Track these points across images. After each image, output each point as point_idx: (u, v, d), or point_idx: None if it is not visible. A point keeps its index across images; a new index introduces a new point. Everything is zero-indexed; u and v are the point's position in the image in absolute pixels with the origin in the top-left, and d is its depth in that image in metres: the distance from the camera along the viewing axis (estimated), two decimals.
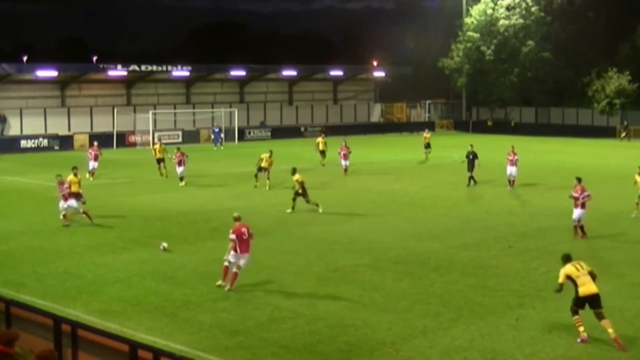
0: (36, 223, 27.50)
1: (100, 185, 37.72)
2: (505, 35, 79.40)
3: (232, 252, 18.26)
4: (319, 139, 46.60)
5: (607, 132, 71.26)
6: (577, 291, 14.95)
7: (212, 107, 69.27)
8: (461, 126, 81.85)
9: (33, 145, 58.26)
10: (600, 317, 14.77)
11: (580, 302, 14.92)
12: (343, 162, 41.62)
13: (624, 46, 78.18)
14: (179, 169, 37.61)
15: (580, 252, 22.38)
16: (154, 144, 42.05)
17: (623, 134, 69.61)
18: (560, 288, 15.26)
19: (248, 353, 14.34)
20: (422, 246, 23.27)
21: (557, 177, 40.33)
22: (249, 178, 38.33)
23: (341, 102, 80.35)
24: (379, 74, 79.45)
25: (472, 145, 37.39)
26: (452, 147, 57.67)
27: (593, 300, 14.82)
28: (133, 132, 63.44)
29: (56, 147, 59.02)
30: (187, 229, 26.29)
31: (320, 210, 28.55)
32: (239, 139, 66.67)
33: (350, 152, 41.87)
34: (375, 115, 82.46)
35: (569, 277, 15.11)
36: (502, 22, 79.41)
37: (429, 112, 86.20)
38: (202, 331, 15.51)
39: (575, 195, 24.47)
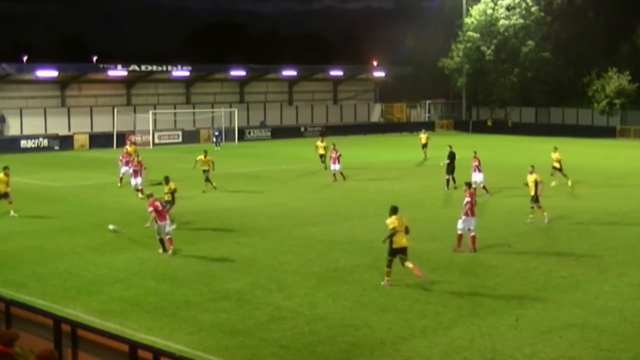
0: (36, 223, 27.50)
1: (100, 185, 37.72)
2: (505, 35, 79.39)
3: (156, 224, 22.03)
4: (318, 143, 44.33)
5: (607, 132, 71.27)
6: (392, 242, 18.53)
7: (212, 107, 69.30)
8: (461, 126, 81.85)
9: (33, 145, 58.27)
10: (404, 261, 18.60)
11: (394, 252, 18.58)
12: (333, 167, 38.95)
13: (624, 46, 78.17)
14: (135, 180, 33.46)
15: (580, 252, 22.43)
16: (127, 145, 38.93)
17: None
18: (390, 236, 18.52)
19: (248, 353, 14.34)
20: (422, 246, 23.22)
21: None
22: (249, 178, 38.37)
23: (341, 102, 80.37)
24: (379, 74, 79.46)
25: (450, 146, 36.20)
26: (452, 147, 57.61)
27: (403, 251, 18.61)
28: (133, 132, 63.41)
29: (56, 147, 59.04)
30: (187, 229, 26.28)
31: (174, 227, 23.57)
32: (239, 139, 66.69)
33: (340, 156, 38.96)
34: (375, 115, 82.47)
35: (393, 230, 18.48)
36: (502, 22, 79.41)
37: (429, 112, 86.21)
38: (202, 331, 15.51)
39: (468, 199, 22.64)
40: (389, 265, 18.61)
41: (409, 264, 18.50)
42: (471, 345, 14.55)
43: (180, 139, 64.95)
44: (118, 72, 63.55)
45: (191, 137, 65.66)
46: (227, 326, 15.78)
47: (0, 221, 27.88)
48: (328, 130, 73.93)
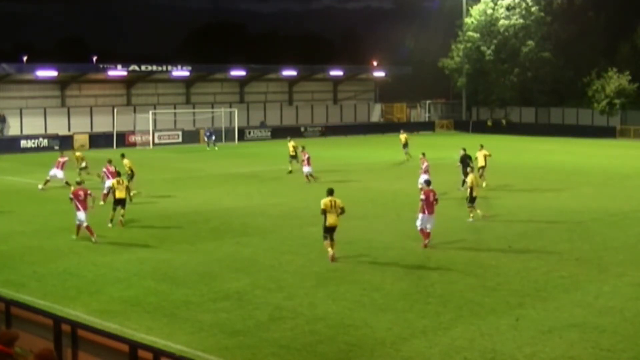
0: (36, 223, 27.50)
1: (100, 185, 37.68)
2: (505, 35, 79.41)
3: (78, 212, 23.69)
4: (290, 144, 42.27)
5: (607, 132, 71.28)
6: (325, 221, 20.86)
7: (212, 107, 69.30)
8: (461, 126, 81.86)
9: (33, 145, 58.25)
10: (332, 240, 21.02)
11: (327, 230, 20.97)
12: (305, 169, 38.17)
13: (624, 46, 78.18)
14: (58, 173, 35.73)
15: (581, 252, 22.43)
16: (73, 150, 38.33)
17: None
18: (322, 213, 20.93)
19: (248, 353, 14.33)
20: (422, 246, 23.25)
21: (557, 177, 40.37)
22: (249, 178, 38.37)
23: (341, 102, 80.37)
24: (379, 74, 79.46)
25: (464, 149, 35.47)
26: (452, 147, 57.61)
27: (333, 230, 20.95)
28: (133, 132, 63.44)
29: (56, 147, 58.85)
30: (187, 229, 26.29)
31: (133, 193, 29.28)
32: (239, 139, 66.69)
33: (309, 158, 38.13)
34: (375, 115, 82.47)
35: (323, 210, 20.90)
36: (502, 22, 79.43)
37: (429, 112, 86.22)
38: (202, 331, 15.50)
39: (422, 197, 22.97)
40: (325, 239, 21.15)
41: (333, 247, 21.15)
42: (471, 345, 14.55)
43: (180, 139, 64.95)
44: (118, 72, 63.55)
45: (191, 137, 65.65)
46: (227, 326, 15.78)
47: (0, 221, 27.87)
48: (328, 131, 74.08)
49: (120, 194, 26.42)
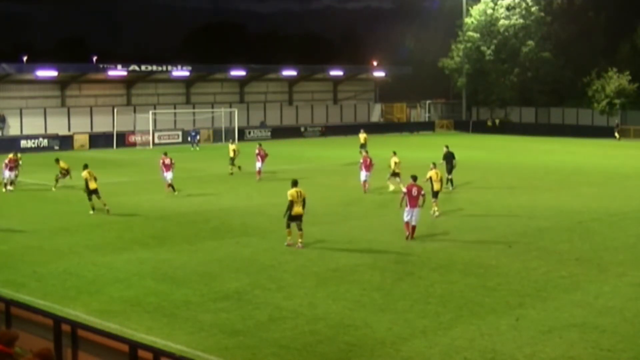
0: (36, 223, 27.49)
1: (101, 185, 37.67)
2: (505, 35, 79.41)
3: None
4: (230, 146, 43.10)
5: (607, 132, 71.27)
6: (291, 210, 22.49)
7: (212, 107, 69.30)
8: (461, 126, 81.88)
9: (33, 145, 58.24)
10: (299, 227, 22.70)
11: (292, 218, 22.62)
12: (258, 164, 39.53)
13: (624, 46, 78.19)
14: (10, 174, 35.83)
15: (581, 252, 22.43)
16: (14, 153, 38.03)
17: (618, 136, 69.70)
18: (290, 203, 22.49)
19: (248, 353, 14.33)
20: (422, 246, 23.26)
21: (557, 177, 40.38)
22: (249, 178, 38.33)
23: (341, 102, 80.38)
24: (379, 74, 79.46)
25: (447, 146, 36.06)
26: (451, 147, 57.60)
27: (298, 218, 22.63)
28: (133, 132, 63.45)
29: (56, 147, 59.01)
30: (187, 229, 26.29)
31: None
32: (239, 139, 66.61)
33: (266, 155, 39.75)
34: (375, 115, 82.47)
35: (291, 201, 22.49)
36: (502, 22, 79.43)
37: (429, 112, 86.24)
38: (202, 331, 15.50)
39: (404, 191, 24.45)
40: (288, 226, 22.90)
41: (300, 237, 22.78)
42: (471, 345, 14.54)
43: (180, 139, 64.96)
44: (118, 72, 63.56)
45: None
46: (227, 326, 15.77)
47: (0, 221, 27.87)
48: (328, 131, 74.07)
49: (92, 184, 29.39)
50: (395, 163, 34.26)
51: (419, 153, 50.93)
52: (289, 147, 59.10)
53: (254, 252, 22.59)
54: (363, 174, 34.88)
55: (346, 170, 43.19)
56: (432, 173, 28.41)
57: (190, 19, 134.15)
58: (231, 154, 41.75)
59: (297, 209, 22.66)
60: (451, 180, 34.92)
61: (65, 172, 36.17)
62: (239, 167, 41.48)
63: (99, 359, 10.97)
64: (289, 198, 22.66)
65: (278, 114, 75.10)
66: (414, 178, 24.76)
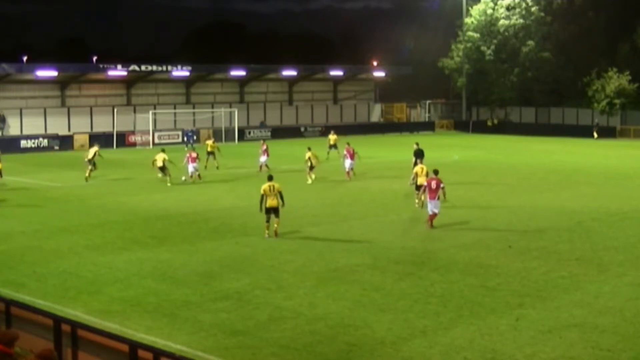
0: (36, 223, 27.49)
1: (101, 185, 37.73)
2: (505, 35, 79.42)
3: None
4: (208, 142, 45.87)
5: (608, 132, 71.29)
6: (266, 203, 23.82)
7: (212, 107, 69.30)
8: (461, 126, 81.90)
9: (33, 145, 58.26)
10: (277, 216, 23.96)
11: (267, 211, 23.87)
12: (262, 158, 42.19)
13: (624, 46, 78.20)
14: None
15: (581, 252, 22.43)
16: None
17: (596, 136, 69.79)
18: (262, 197, 23.91)
19: (248, 353, 14.33)
20: (422, 246, 23.26)
21: (558, 177, 40.38)
22: (248, 178, 38.29)
23: (341, 102, 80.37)
24: (379, 74, 79.46)
25: (417, 143, 38.32)
26: (452, 147, 57.70)
27: (275, 210, 23.93)
28: (133, 132, 63.46)
29: (56, 147, 59.03)
30: (187, 229, 26.29)
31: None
32: (239, 139, 66.71)
33: (266, 149, 42.56)
34: (375, 115, 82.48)
35: (262, 195, 23.89)
36: (502, 22, 79.44)
37: (429, 112, 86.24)
38: (202, 331, 15.50)
39: (424, 185, 26.44)
40: (267, 221, 24.01)
41: (276, 224, 24.09)
42: (471, 345, 14.54)
43: (180, 139, 64.95)
44: (118, 72, 63.55)
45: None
46: (227, 326, 15.77)
47: (0, 221, 27.87)
48: (328, 131, 73.86)
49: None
50: (309, 157, 37.61)
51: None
52: (289, 147, 59.04)
53: (254, 252, 22.59)
54: (347, 163, 38.57)
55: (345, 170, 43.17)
56: (417, 169, 30.13)
57: (190, 19, 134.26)
58: (159, 164, 37.34)
59: (270, 202, 23.94)
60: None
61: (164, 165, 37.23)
62: (199, 175, 38.65)
63: (99, 359, 10.97)
64: (261, 192, 24.09)
65: (278, 114, 75.11)
66: (435, 172, 26.25)
